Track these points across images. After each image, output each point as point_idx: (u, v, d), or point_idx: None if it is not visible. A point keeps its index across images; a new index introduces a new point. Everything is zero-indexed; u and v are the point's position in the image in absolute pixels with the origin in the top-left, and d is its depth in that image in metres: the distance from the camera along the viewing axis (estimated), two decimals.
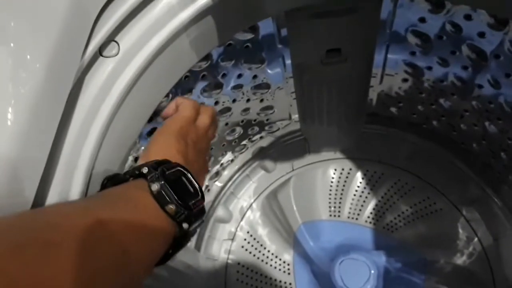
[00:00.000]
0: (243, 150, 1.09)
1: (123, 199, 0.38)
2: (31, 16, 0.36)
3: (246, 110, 0.90)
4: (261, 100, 0.92)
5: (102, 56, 0.44)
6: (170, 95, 0.66)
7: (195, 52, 0.55)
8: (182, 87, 0.69)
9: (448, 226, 0.98)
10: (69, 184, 0.41)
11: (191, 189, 0.43)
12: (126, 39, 0.46)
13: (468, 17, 0.64)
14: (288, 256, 1.03)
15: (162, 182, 0.39)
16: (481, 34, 0.65)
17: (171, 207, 0.39)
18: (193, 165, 0.48)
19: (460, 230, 0.96)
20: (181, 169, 0.44)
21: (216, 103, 0.80)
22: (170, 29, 0.48)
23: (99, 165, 0.45)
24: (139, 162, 0.45)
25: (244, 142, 1.04)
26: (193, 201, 0.42)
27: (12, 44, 0.35)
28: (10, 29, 0.35)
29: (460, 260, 0.93)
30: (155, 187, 0.39)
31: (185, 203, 0.40)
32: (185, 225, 0.40)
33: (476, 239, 0.95)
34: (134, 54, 0.46)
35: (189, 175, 0.44)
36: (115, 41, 0.45)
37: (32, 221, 0.30)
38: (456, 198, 1.00)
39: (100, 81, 0.44)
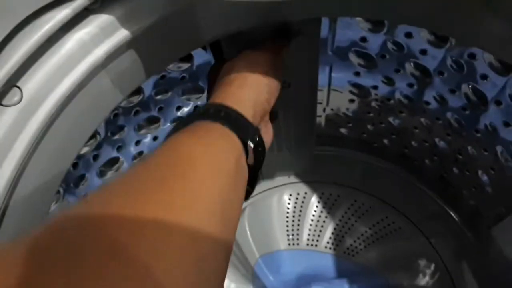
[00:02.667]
0: None
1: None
2: None
3: None
4: None
5: (1, 105, 0.38)
6: (98, 136, 0.60)
7: (119, 89, 0.49)
8: (111, 126, 0.62)
9: (409, 246, 0.95)
10: None
11: None
12: (31, 83, 0.39)
13: (409, 35, 0.62)
14: None
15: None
16: (423, 51, 0.63)
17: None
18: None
19: (421, 249, 0.94)
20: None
21: (155, 138, 0.74)
22: (83, 68, 0.42)
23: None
24: None
25: None
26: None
27: None
28: None
29: (423, 281, 0.90)
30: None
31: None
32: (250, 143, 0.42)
33: (437, 257, 0.92)
34: (41, 100, 0.40)
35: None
36: (17, 87, 0.39)
37: None
38: (415, 215, 0.97)
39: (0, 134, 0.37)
